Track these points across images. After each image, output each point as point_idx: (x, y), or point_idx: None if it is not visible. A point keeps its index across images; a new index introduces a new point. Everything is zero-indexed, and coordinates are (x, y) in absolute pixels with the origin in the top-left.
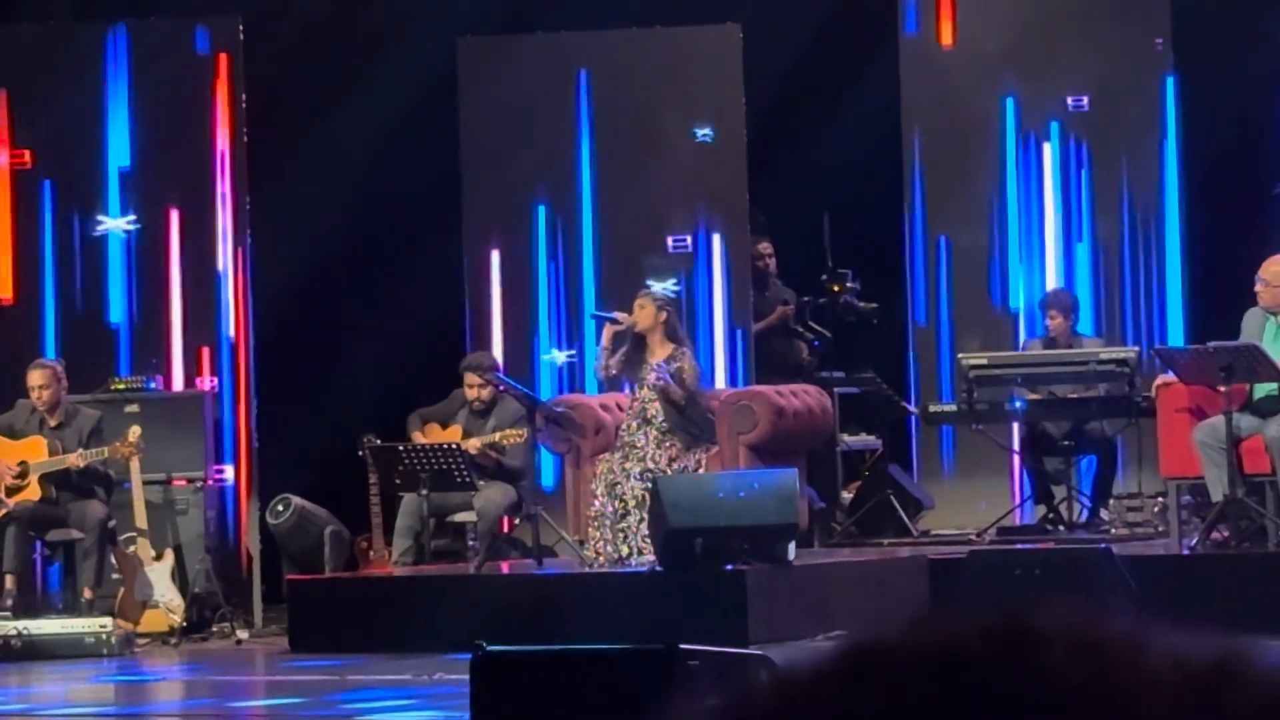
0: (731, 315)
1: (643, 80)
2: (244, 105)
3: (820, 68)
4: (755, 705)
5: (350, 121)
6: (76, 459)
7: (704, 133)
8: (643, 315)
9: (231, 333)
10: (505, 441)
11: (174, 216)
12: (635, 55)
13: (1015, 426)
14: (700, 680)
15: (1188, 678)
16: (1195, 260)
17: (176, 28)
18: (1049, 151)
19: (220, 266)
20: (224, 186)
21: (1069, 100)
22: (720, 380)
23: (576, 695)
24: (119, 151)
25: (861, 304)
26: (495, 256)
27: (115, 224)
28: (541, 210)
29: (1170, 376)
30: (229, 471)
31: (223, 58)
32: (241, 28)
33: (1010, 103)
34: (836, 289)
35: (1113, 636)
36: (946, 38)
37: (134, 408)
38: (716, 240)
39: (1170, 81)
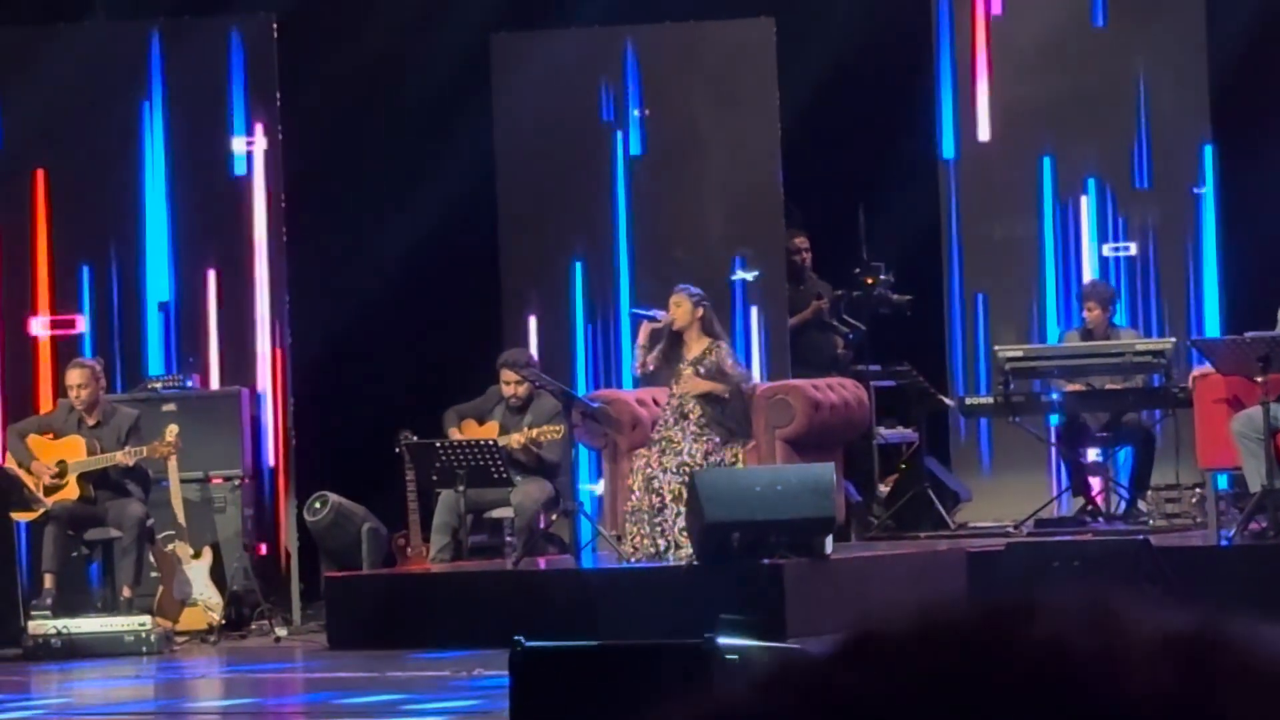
0: (766, 311)
1: (677, 75)
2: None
3: (854, 58)
4: (756, 689)
5: (383, 117)
6: (124, 457)
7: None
8: (679, 312)
9: (268, 340)
10: (542, 438)
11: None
12: (669, 50)
13: (1053, 418)
14: (737, 674)
15: (1172, 641)
16: (1231, 250)
17: (211, 26)
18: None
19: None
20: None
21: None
22: (756, 374)
23: (615, 690)
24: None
25: (895, 296)
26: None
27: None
28: (574, 229)
29: (1207, 367)
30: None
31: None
32: (275, 26)
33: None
34: (870, 282)
35: (1099, 608)
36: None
37: (171, 406)
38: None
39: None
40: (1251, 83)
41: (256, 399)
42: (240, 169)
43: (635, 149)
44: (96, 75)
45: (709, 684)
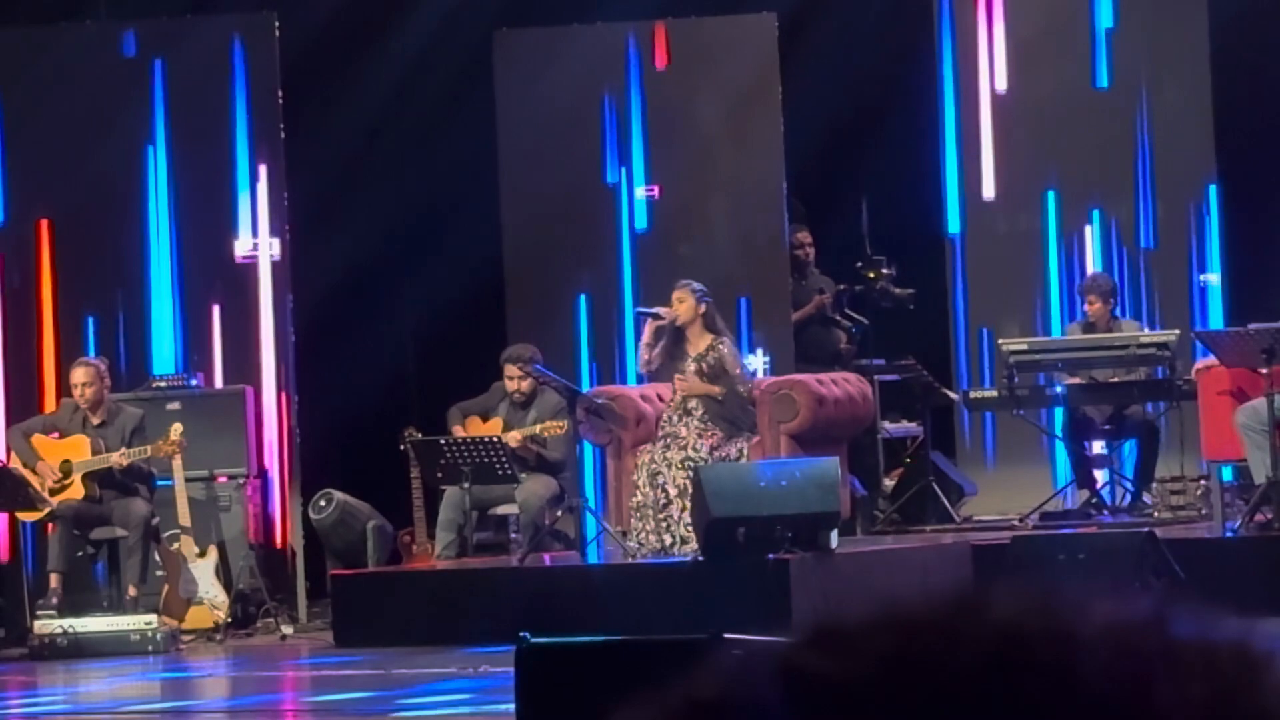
0: (771, 304)
1: (679, 71)
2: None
3: (856, 53)
4: (724, 678)
5: (385, 109)
6: (120, 458)
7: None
8: (683, 309)
9: (271, 339)
10: (546, 433)
11: (216, 312)
12: (672, 46)
13: (1057, 411)
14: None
15: (1126, 627)
16: (1234, 241)
17: (212, 26)
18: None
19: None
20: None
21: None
22: (760, 371)
23: (621, 686)
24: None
25: (898, 290)
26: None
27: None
28: (576, 212)
29: (1211, 359)
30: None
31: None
32: (277, 24)
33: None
34: (873, 276)
35: (1054, 596)
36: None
37: (175, 405)
38: (755, 233)
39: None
40: (1257, 132)
41: (260, 397)
42: (244, 187)
43: (638, 147)
44: (99, 96)
45: (677, 679)
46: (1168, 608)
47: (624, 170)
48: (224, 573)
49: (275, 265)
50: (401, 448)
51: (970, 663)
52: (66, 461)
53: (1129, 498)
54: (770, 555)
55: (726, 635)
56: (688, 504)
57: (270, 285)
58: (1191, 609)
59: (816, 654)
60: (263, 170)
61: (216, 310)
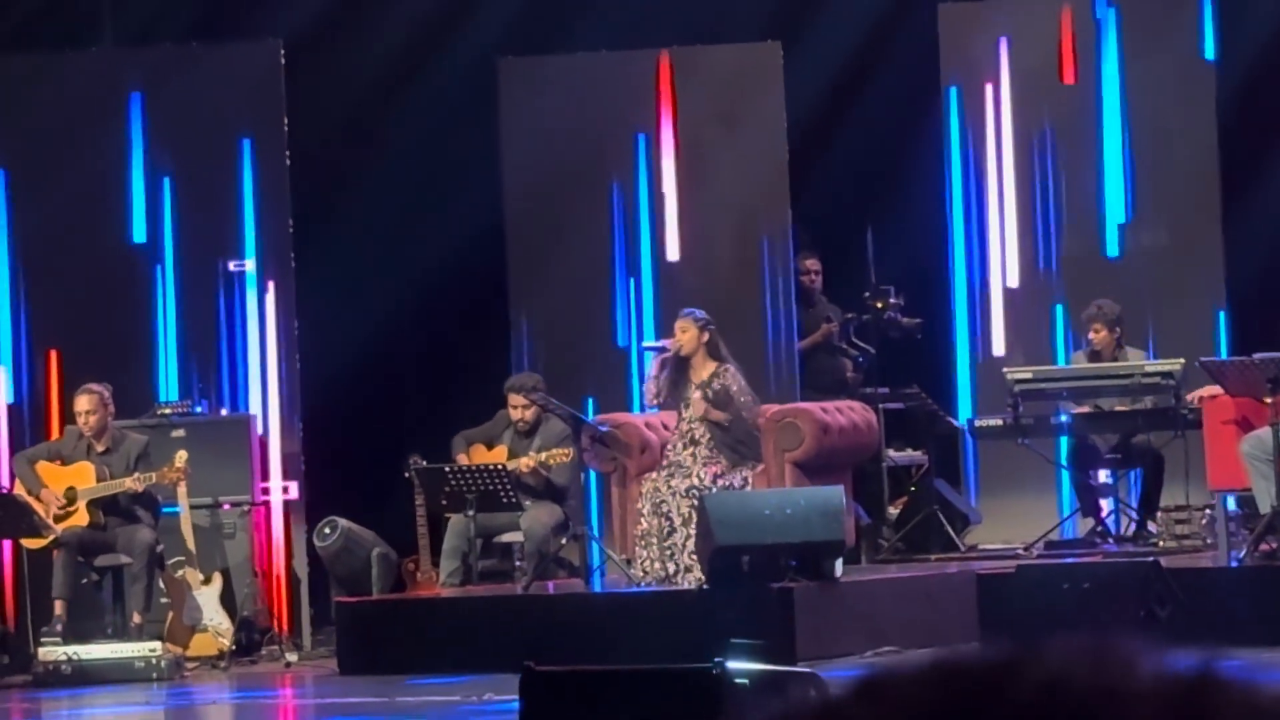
0: (777, 332)
1: (685, 99)
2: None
3: (861, 83)
4: None
5: (391, 139)
6: (134, 482)
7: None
8: (686, 338)
9: (274, 363)
10: (551, 461)
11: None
12: (677, 74)
13: (1062, 440)
14: (749, 699)
15: (1172, 682)
16: (1237, 270)
17: (218, 54)
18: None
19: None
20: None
21: None
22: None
23: (625, 714)
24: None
25: (905, 320)
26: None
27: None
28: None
29: (1215, 389)
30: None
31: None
32: (284, 54)
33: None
34: (880, 305)
35: (1102, 649)
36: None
37: (180, 432)
38: (763, 257)
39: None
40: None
41: (266, 425)
42: (248, 206)
43: (643, 175)
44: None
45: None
46: (1214, 664)
47: (628, 188)
48: (228, 600)
49: (278, 290)
50: (406, 475)
51: (1014, 717)
52: (71, 488)
53: (1134, 527)
54: (774, 584)
55: (730, 664)
56: (692, 532)
57: (275, 313)
58: (1237, 668)
59: (863, 706)
60: (265, 186)
61: (221, 336)
